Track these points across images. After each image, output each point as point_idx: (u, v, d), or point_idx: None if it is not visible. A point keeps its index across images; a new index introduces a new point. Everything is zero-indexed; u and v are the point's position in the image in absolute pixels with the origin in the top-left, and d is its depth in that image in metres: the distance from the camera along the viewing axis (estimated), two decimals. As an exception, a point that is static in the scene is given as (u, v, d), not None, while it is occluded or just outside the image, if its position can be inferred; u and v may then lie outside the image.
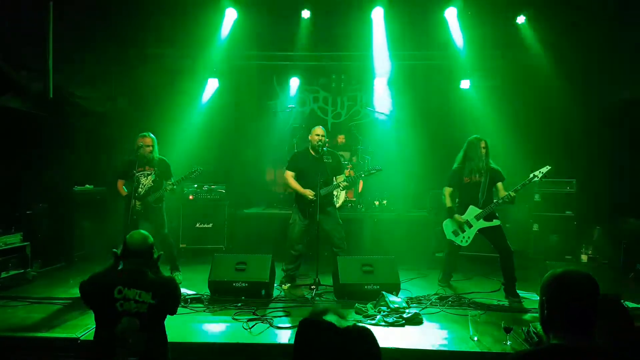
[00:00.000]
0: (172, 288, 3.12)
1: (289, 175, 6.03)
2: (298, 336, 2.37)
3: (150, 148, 6.08)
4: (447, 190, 5.83)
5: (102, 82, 7.76)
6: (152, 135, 6.15)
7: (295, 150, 6.39)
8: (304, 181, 5.92)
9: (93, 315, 2.97)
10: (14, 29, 6.01)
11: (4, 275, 5.68)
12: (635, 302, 4.99)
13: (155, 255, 3.19)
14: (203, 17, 7.74)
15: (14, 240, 5.97)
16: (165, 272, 6.09)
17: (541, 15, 7.55)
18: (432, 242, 7.36)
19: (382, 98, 9.12)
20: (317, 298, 5.26)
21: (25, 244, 6.08)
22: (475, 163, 5.61)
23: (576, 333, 1.78)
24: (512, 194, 5.27)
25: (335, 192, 7.26)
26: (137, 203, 6.00)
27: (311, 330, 2.37)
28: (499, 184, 5.56)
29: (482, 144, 5.63)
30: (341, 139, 8.94)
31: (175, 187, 6.13)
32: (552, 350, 1.80)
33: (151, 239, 3.20)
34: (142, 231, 3.23)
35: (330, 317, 2.40)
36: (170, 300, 3.08)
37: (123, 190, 6.20)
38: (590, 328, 1.80)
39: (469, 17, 7.75)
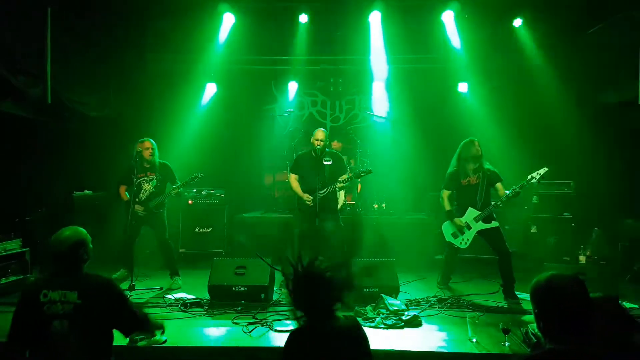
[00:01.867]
0: (103, 287, 2.87)
1: (292, 177, 6.11)
2: (288, 343, 2.40)
3: (150, 151, 6.10)
4: (445, 194, 5.85)
5: (100, 87, 7.76)
6: (151, 140, 6.17)
7: (297, 154, 6.42)
8: (303, 183, 6.00)
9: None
10: (12, 34, 6.02)
11: (3, 281, 5.67)
12: (634, 303, 5.04)
13: (86, 256, 2.94)
14: (201, 22, 7.79)
15: (14, 246, 5.97)
16: (165, 276, 6.19)
17: (538, 18, 7.60)
18: (431, 245, 7.37)
19: (380, 101, 9.15)
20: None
21: (25, 249, 6.08)
22: (470, 165, 5.64)
23: (572, 337, 1.78)
24: (517, 189, 5.27)
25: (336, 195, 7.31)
26: (139, 208, 6.01)
27: (301, 338, 2.41)
28: (498, 185, 5.58)
29: (476, 145, 5.66)
30: (336, 145, 8.94)
31: (180, 190, 6.16)
32: (548, 355, 1.80)
33: (80, 236, 2.95)
34: (72, 227, 2.99)
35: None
36: (103, 301, 2.79)
37: (125, 195, 6.21)
38: (586, 330, 1.80)
39: (466, 21, 7.80)
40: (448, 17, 7.83)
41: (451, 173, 5.81)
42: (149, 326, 3.09)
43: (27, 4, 6.21)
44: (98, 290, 2.84)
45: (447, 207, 5.82)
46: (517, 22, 7.78)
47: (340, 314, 2.45)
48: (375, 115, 9.03)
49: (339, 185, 5.99)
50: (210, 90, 8.82)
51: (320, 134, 5.99)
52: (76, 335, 2.70)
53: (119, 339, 3.14)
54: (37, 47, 6.21)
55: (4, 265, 5.77)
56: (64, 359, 2.70)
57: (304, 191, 5.95)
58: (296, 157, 6.29)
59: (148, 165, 6.14)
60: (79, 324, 2.72)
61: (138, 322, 2.99)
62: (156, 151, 6.18)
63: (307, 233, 5.96)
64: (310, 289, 2.37)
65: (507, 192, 5.34)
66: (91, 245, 3.01)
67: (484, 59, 8.26)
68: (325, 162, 5.96)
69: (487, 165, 5.68)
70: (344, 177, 6.07)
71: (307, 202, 5.81)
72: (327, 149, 6.05)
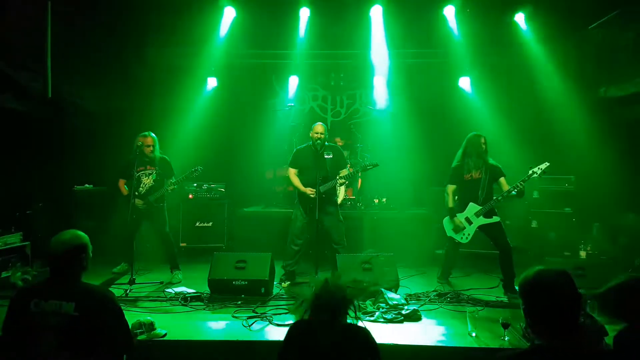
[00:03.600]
0: (103, 300, 2.66)
1: (292, 172, 6.08)
2: (289, 334, 2.39)
3: (151, 148, 6.10)
4: (450, 189, 5.83)
5: (100, 81, 7.76)
6: (152, 134, 6.17)
7: (296, 147, 6.40)
8: (304, 178, 5.97)
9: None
10: (12, 29, 6.01)
11: (4, 274, 5.70)
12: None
13: (85, 263, 2.77)
14: (202, 16, 7.76)
15: (14, 239, 6.01)
16: (166, 270, 6.20)
17: (539, 12, 7.57)
18: (432, 239, 7.36)
19: (381, 96, 9.13)
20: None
21: (26, 243, 6.11)
22: (474, 160, 5.63)
23: (559, 333, 1.77)
24: (520, 185, 5.26)
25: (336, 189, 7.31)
26: (139, 202, 6.01)
27: (304, 328, 2.40)
28: (502, 179, 5.58)
29: (482, 141, 5.66)
30: (339, 141, 8.93)
31: (175, 187, 6.16)
32: (535, 351, 1.80)
33: (80, 240, 2.77)
34: (73, 231, 2.81)
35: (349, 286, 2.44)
36: (101, 315, 2.59)
37: (124, 189, 6.22)
38: (573, 326, 1.78)
39: (467, 15, 7.76)
40: (449, 12, 7.80)
41: (455, 167, 5.80)
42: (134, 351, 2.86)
43: (27, -1, 6.22)
44: (97, 303, 2.63)
45: (450, 203, 5.81)
46: (519, 17, 7.74)
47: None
48: (376, 110, 9.01)
49: (340, 181, 5.98)
50: (211, 84, 8.80)
51: (319, 127, 5.97)
52: (66, 351, 2.51)
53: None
54: (37, 41, 6.20)
55: (5, 259, 5.80)
56: None
57: (305, 186, 5.93)
58: (295, 151, 6.26)
59: (148, 159, 6.14)
60: (72, 339, 2.52)
61: (130, 345, 2.79)
62: (157, 145, 6.18)
63: (308, 227, 5.97)
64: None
65: (510, 188, 5.32)
66: (91, 255, 2.84)
67: (486, 53, 8.24)
68: (326, 156, 5.95)
69: (491, 161, 5.67)
70: (344, 171, 6.06)
71: (311, 195, 5.78)
72: (326, 143, 6.03)
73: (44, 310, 2.53)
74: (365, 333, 2.46)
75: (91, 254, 2.85)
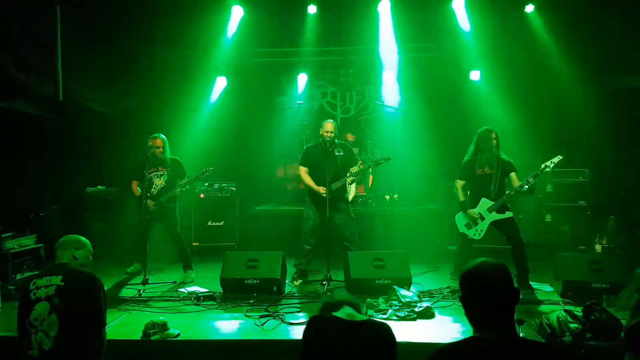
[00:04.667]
0: (88, 277, 3.04)
1: (303, 170, 6.05)
2: (307, 332, 2.36)
3: (161, 149, 6.14)
4: (460, 184, 5.78)
5: (111, 83, 7.80)
6: (162, 136, 6.19)
7: (306, 145, 6.38)
8: (315, 175, 5.94)
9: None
10: (22, 33, 6.06)
11: (19, 277, 5.74)
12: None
13: (79, 259, 3.19)
14: (210, 16, 7.76)
15: (29, 242, 6.06)
16: (179, 270, 6.22)
17: (549, 3, 7.46)
18: (445, 235, 7.32)
19: (390, 92, 9.06)
20: (328, 293, 5.29)
21: (40, 245, 6.17)
22: (486, 155, 5.57)
23: (494, 325, 1.78)
24: (532, 180, 5.20)
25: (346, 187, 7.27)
26: (150, 203, 6.05)
27: (321, 326, 2.37)
28: (512, 175, 5.52)
29: (493, 135, 5.59)
30: (350, 137, 8.90)
31: (187, 187, 6.21)
32: (470, 342, 1.80)
33: (84, 250, 3.25)
34: (80, 238, 3.30)
35: (345, 310, 2.39)
36: (83, 294, 2.96)
37: (137, 190, 6.26)
38: (508, 320, 1.80)
39: (476, 7, 7.67)
40: (458, 4, 7.71)
41: (467, 162, 5.74)
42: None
43: (37, 3, 6.24)
44: (82, 278, 3.01)
45: (462, 197, 5.76)
46: (529, 8, 7.64)
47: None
48: (386, 106, 8.95)
49: (349, 179, 5.95)
50: (221, 84, 8.81)
51: (329, 125, 5.94)
52: (57, 315, 2.84)
53: (133, 333, 3.15)
54: (47, 45, 6.24)
55: (19, 261, 5.85)
56: (43, 335, 2.82)
57: (316, 184, 5.90)
58: (305, 149, 6.23)
59: (159, 160, 6.17)
60: (58, 307, 2.86)
61: (103, 322, 3.09)
62: (167, 147, 6.21)
63: (320, 226, 5.95)
64: None
65: (523, 182, 5.27)
66: (91, 258, 3.28)
67: (496, 46, 8.13)
68: (336, 153, 5.93)
69: (503, 155, 5.60)
70: (355, 168, 6.02)
71: (323, 194, 5.75)
72: (336, 140, 6.00)
73: (38, 285, 2.94)
74: (386, 329, 2.43)
75: (91, 257, 3.30)
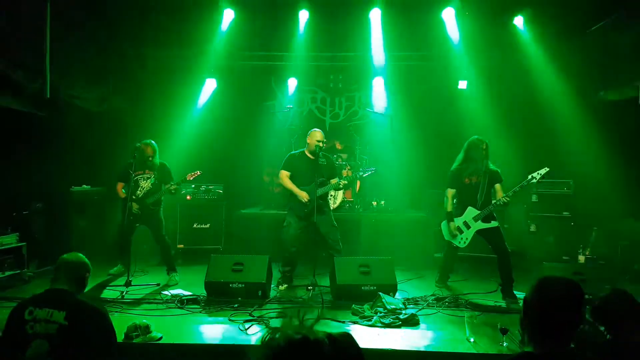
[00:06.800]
0: (96, 314, 2.70)
1: (284, 174, 6.01)
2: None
3: (152, 156, 6.11)
4: (450, 192, 5.80)
5: (99, 81, 7.73)
6: (153, 143, 6.18)
7: (292, 152, 6.37)
8: (297, 182, 5.92)
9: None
10: (11, 28, 5.98)
11: (0, 275, 5.66)
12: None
13: (84, 282, 2.93)
14: (201, 17, 7.72)
15: (10, 240, 5.96)
16: (163, 272, 6.17)
17: (538, 16, 7.55)
18: (430, 243, 7.35)
19: (380, 98, 9.11)
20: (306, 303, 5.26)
21: (22, 244, 6.07)
22: (476, 164, 5.60)
23: (552, 342, 1.75)
24: (506, 199, 5.27)
25: (332, 193, 7.26)
26: (135, 206, 6.00)
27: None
28: (497, 186, 5.56)
29: (484, 145, 5.62)
30: (339, 145, 8.92)
31: (177, 186, 6.18)
32: (524, 358, 1.77)
33: (83, 262, 2.93)
34: (80, 255, 2.97)
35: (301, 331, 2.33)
36: (89, 328, 2.62)
37: (122, 192, 6.23)
38: (568, 335, 1.77)
39: (466, 18, 7.75)
40: (448, 15, 7.78)
41: (455, 170, 5.77)
42: None
43: (26, -1, 6.18)
44: (89, 316, 2.66)
45: (449, 208, 5.79)
46: (518, 20, 7.73)
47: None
48: (375, 113, 8.99)
49: (343, 182, 5.98)
50: (210, 85, 8.78)
51: (320, 135, 5.94)
52: (55, 357, 2.53)
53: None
54: (36, 41, 6.17)
55: (0, 260, 5.76)
56: None
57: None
58: (289, 156, 6.17)
59: (147, 164, 6.14)
60: (59, 347, 2.53)
61: None
62: (157, 154, 6.19)
63: (301, 234, 5.94)
64: None
65: (506, 194, 5.32)
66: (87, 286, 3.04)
67: (484, 56, 8.23)
68: (321, 162, 5.94)
69: (491, 166, 5.64)
70: (334, 181, 6.00)
71: (304, 200, 5.74)
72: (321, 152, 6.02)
73: (36, 317, 2.57)
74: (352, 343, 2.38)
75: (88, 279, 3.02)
